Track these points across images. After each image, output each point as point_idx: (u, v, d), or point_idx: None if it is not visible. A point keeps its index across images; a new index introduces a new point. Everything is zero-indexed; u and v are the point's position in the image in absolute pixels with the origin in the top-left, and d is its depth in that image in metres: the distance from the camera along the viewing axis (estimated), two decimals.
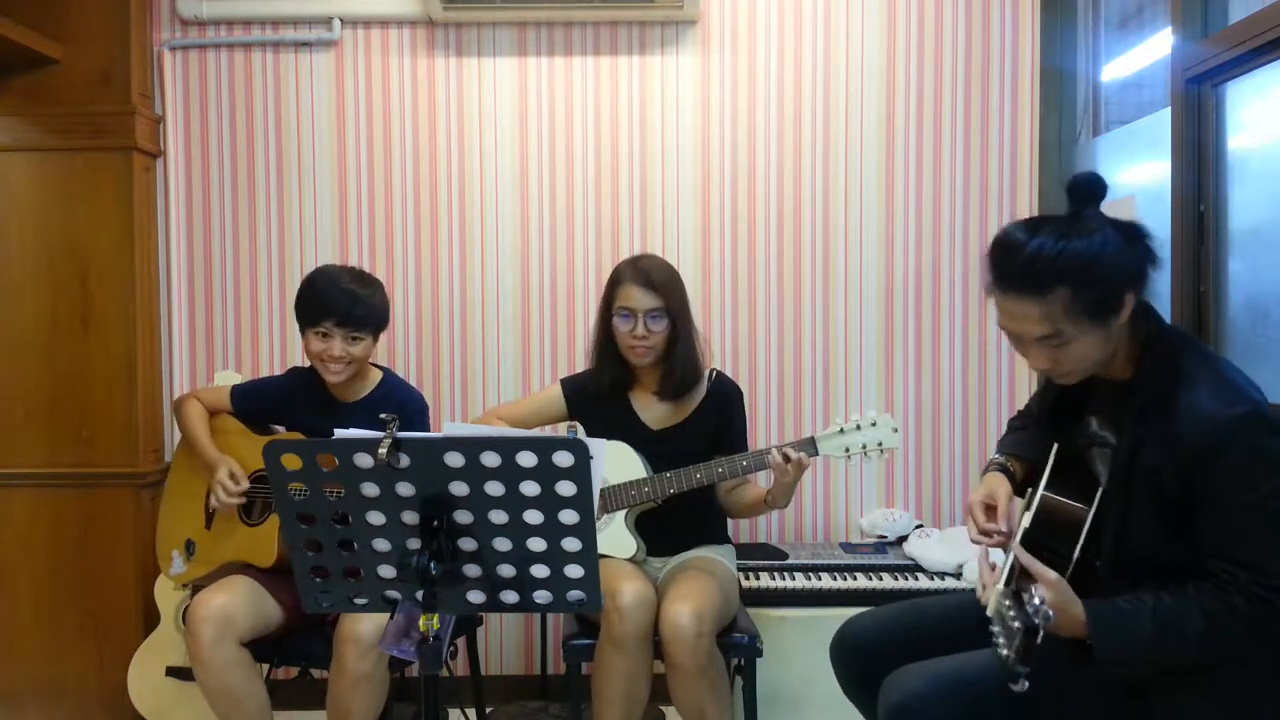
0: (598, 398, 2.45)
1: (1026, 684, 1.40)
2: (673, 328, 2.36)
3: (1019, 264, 1.51)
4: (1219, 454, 1.46)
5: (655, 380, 2.43)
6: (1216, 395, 1.49)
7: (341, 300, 2.33)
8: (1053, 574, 1.51)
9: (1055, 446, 1.74)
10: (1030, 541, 1.62)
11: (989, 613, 1.52)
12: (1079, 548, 1.58)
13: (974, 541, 1.75)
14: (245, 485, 2.37)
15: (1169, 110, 2.39)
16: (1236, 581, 1.46)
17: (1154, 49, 2.74)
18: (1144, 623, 1.49)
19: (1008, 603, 1.48)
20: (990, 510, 1.75)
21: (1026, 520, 1.67)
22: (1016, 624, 1.42)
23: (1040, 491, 1.68)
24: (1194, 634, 1.47)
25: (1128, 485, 1.55)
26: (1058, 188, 2.79)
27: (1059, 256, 1.49)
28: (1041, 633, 1.40)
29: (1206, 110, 2.28)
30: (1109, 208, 1.59)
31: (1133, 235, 1.54)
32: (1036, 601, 1.42)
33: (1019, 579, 1.54)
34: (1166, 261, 1.66)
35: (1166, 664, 1.52)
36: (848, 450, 2.23)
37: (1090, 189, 1.55)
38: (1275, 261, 2.12)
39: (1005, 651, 1.43)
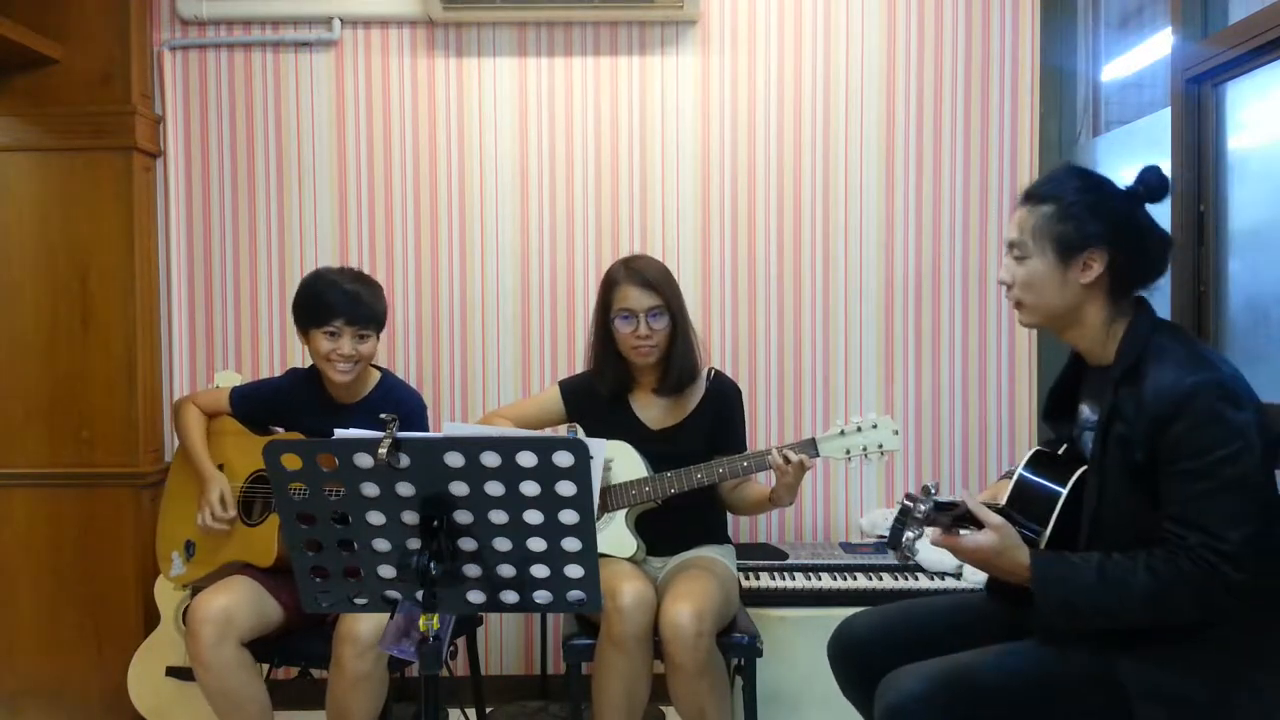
0: (597, 399, 2.45)
1: (911, 556, 1.58)
2: (673, 324, 2.37)
3: (1043, 179, 1.72)
4: (1176, 419, 1.50)
5: (655, 379, 2.43)
6: (1181, 365, 1.54)
7: (348, 299, 2.35)
8: (997, 518, 1.59)
9: (1037, 444, 1.84)
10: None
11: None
12: (1050, 526, 1.64)
13: None
14: (232, 514, 2.38)
15: (1169, 110, 2.38)
16: (1184, 544, 1.49)
17: (1154, 49, 2.74)
18: (1088, 574, 1.53)
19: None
20: None
21: (1002, 499, 1.74)
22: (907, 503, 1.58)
23: (1019, 471, 1.74)
24: (1137, 592, 1.50)
25: (1104, 457, 1.60)
26: None
27: (1066, 182, 1.64)
28: (925, 505, 1.56)
29: (1206, 110, 2.28)
30: None
31: (1148, 229, 1.65)
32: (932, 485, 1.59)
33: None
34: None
35: (1108, 620, 1.55)
36: (848, 452, 2.23)
37: (1149, 184, 1.64)
38: (1275, 261, 2.12)
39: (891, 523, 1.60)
